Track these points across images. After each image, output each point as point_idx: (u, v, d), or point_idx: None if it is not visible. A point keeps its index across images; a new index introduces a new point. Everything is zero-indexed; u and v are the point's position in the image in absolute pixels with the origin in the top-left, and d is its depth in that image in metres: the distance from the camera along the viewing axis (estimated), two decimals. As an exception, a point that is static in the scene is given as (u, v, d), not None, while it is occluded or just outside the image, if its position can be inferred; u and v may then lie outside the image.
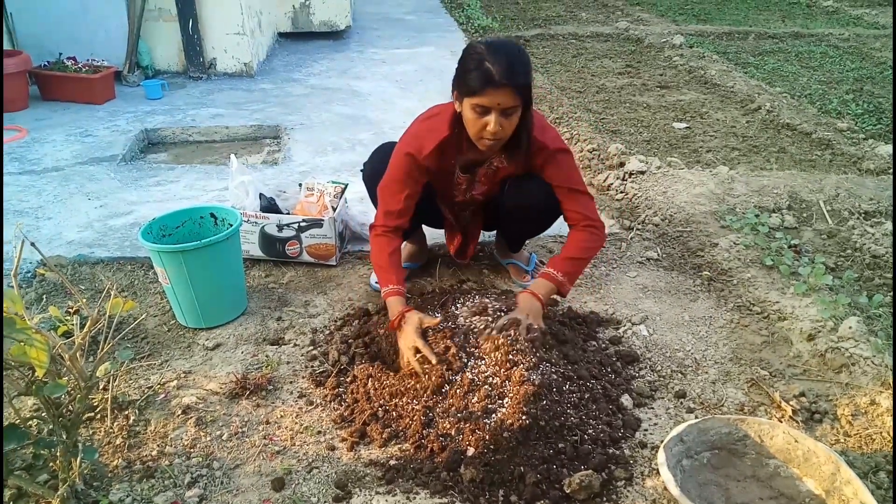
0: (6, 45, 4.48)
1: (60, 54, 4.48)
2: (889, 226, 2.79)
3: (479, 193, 2.25)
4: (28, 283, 2.41)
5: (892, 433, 1.77)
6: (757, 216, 2.82)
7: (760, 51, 6.04)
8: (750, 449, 1.69)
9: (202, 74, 5.03)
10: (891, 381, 1.90)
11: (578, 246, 2.09)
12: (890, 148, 3.62)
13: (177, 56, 5.06)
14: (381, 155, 2.23)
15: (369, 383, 1.89)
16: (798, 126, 4.08)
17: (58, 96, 4.42)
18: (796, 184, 3.14)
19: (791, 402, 1.88)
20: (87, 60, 4.50)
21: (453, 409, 1.74)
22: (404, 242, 2.43)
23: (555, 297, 2.11)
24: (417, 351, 1.87)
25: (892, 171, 3.38)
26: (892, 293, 2.38)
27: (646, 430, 1.80)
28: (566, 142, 2.32)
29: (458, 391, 1.77)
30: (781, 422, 1.81)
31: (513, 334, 1.86)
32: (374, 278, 2.44)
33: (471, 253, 2.50)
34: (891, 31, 6.67)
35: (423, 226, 2.52)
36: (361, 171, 2.39)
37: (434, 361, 1.83)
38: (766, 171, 3.36)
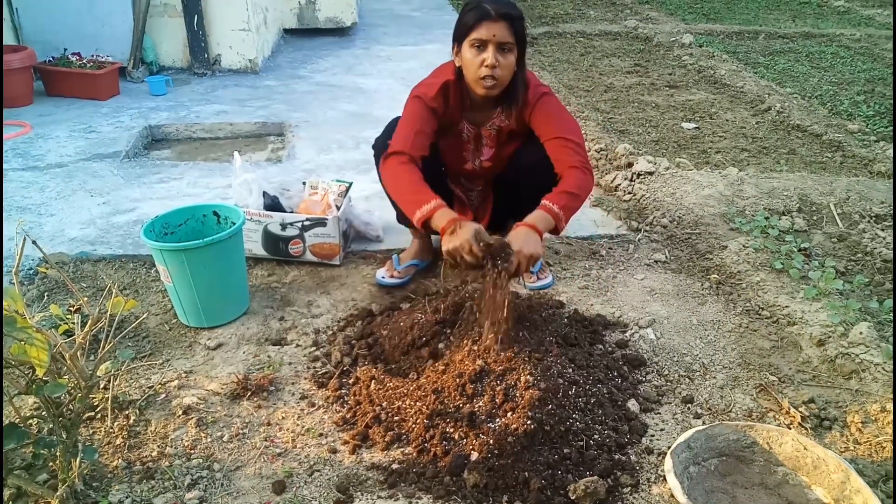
0: (12, 41, 4.48)
1: (65, 50, 4.48)
2: (900, 229, 2.76)
3: (487, 159, 2.27)
4: (30, 280, 2.40)
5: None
6: (767, 219, 2.79)
7: (770, 51, 5.99)
8: (758, 456, 1.66)
9: (207, 71, 5.02)
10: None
11: (571, 182, 2.01)
12: (901, 150, 3.58)
13: (181, 52, 5.05)
14: (392, 127, 2.25)
15: (372, 385, 1.87)
16: (808, 127, 4.03)
17: (62, 92, 4.41)
18: (806, 186, 3.10)
19: (800, 409, 1.85)
20: (92, 56, 4.49)
21: (456, 408, 1.72)
22: (411, 239, 2.42)
23: (558, 298, 2.08)
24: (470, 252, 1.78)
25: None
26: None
27: (652, 435, 1.78)
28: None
29: (461, 390, 1.75)
30: (790, 428, 1.78)
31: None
32: (381, 273, 2.42)
33: None
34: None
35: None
36: (373, 147, 2.39)
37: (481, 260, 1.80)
38: (776, 173, 3.32)
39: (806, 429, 1.80)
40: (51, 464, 1.51)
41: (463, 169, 2.30)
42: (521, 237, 1.86)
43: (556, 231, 1.97)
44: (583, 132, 3.75)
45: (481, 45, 1.97)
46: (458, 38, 2.04)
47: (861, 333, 2.04)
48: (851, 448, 1.75)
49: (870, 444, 1.75)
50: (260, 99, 4.50)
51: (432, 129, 2.13)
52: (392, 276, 2.41)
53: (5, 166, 3.37)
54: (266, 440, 1.74)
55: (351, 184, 2.66)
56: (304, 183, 2.66)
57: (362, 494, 1.58)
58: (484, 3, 1.95)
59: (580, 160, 2.05)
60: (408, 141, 2.05)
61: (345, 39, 6.15)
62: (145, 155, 3.78)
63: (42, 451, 1.47)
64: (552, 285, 2.44)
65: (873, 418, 1.83)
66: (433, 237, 2.53)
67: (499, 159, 2.30)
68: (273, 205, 2.54)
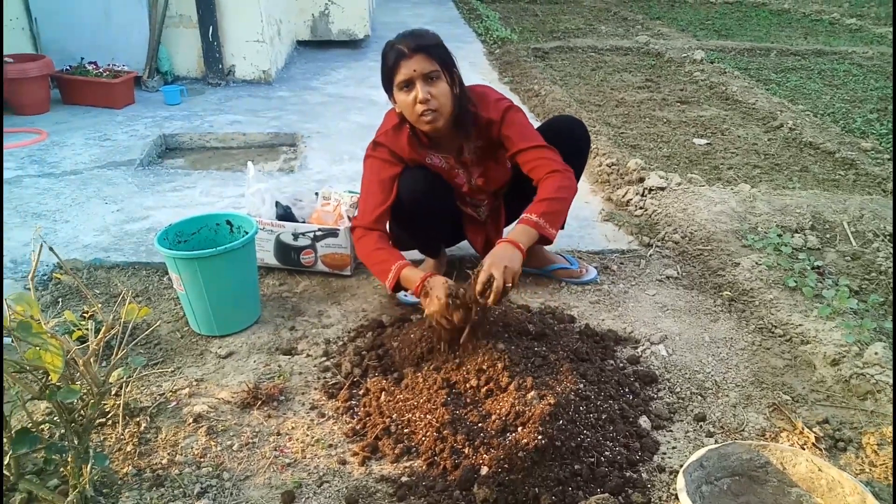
0: (30, 50, 4.55)
1: (82, 59, 4.54)
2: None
3: (478, 177, 2.27)
4: (44, 286, 2.41)
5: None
6: (779, 236, 2.77)
7: (782, 68, 5.99)
8: (772, 476, 1.64)
9: (221, 81, 5.07)
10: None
11: (551, 188, 2.05)
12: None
13: (196, 62, 5.11)
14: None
15: (382, 397, 1.86)
16: (821, 145, 4.02)
17: (78, 100, 4.47)
18: (819, 204, 3.09)
19: (814, 429, 1.83)
20: (108, 65, 4.55)
21: (469, 423, 1.72)
22: (426, 259, 2.44)
23: (569, 313, 2.07)
24: (448, 306, 1.86)
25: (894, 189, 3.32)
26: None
27: (664, 453, 1.76)
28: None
29: (473, 410, 1.74)
30: (804, 449, 1.76)
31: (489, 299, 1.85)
32: (402, 293, 2.41)
33: None
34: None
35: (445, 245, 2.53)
36: None
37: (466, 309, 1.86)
38: (789, 191, 3.31)
39: (820, 449, 1.78)
40: (62, 469, 1.51)
41: (461, 191, 2.31)
42: (496, 253, 1.92)
43: (545, 240, 2.03)
44: (594, 147, 3.78)
45: (408, 84, 1.96)
46: (387, 87, 2.04)
47: (876, 353, 2.02)
48: (867, 470, 1.73)
49: (886, 467, 1.73)
50: (273, 109, 4.54)
51: (393, 175, 2.13)
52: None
53: (22, 173, 3.41)
54: (275, 450, 1.73)
55: (363, 195, 2.67)
56: (316, 193, 2.68)
57: (371, 507, 1.57)
58: (396, 44, 1.97)
59: (555, 164, 2.09)
60: (366, 214, 2.13)
61: (357, 52, 6.21)
62: (159, 163, 3.81)
63: (53, 457, 1.47)
64: (596, 280, 2.53)
65: (889, 440, 1.81)
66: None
67: (492, 174, 2.29)
68: (285, 215, 2.55)
